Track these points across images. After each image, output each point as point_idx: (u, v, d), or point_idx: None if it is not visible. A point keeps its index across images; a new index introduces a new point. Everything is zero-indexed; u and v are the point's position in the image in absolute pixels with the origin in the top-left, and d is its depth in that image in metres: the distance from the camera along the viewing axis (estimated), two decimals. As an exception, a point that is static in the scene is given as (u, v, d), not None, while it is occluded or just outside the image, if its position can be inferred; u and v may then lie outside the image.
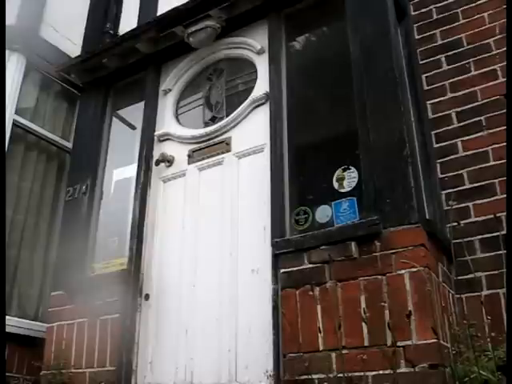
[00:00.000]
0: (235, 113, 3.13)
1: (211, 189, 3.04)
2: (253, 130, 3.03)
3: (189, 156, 3.23)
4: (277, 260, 2.52)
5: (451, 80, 3.02)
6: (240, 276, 2.72)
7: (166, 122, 3.45)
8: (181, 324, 2.82)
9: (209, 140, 3.19)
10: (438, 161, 2.90)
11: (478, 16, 3.08)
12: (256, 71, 3.19)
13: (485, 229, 2.60)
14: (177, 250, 3.02)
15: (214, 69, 3.48)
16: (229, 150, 3.08)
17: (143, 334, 2.93)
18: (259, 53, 3.20)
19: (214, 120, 3.29)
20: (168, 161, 3.29)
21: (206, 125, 3.30)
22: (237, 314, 2.65)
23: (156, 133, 3.43)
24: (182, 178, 3.22)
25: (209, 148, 3.17)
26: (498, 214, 2.50)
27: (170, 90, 3.54)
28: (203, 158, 3.17)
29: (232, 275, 2.74)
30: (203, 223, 2.99)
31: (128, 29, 3.84)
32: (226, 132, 3.14)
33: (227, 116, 3.19)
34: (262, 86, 3.08)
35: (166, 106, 3.51)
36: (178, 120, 3.47)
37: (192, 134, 3.28)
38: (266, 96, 3.03)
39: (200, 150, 3.21)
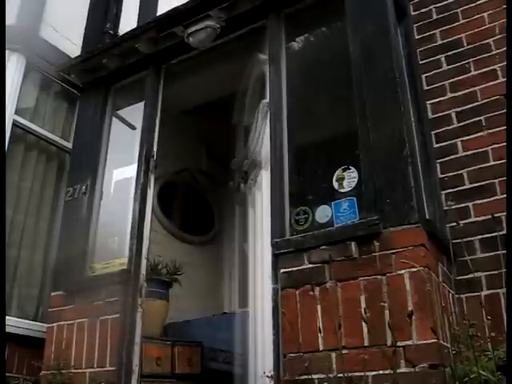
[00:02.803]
0: (235, 113, 3.14)
1: (211, 189, 3.04)
2: (253, 130, 3.03)
3: (189, 156, 3.24)
4: (277, 260, 2.52)
5: (451, 80, 3.02)
6: (240, 276, 2.72)
7: (167, 123, 3.45)
8: (181, 324, 2.82)
9: (209, 140, 3.20)
10: (438, 161, 2.89)
11: (478, 16, 3.07)
12: (256, 71, 3.20)
13: (484, 229, 2.60)
14: (177, 250, 3.02)
15: (215, 69, 3.48)
16: (229, 150, 3.08)
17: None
18: (259, 53, 3.20)
19: (214, 120, 3.29)
20: (168, 161, 3.29)
21: (206, 125, 3.31)
22: (237, 314, 2.65)
23: (156, 133, 3.42)
24: (182, 178, 3.22)
25: (209, 148, 3.18)
26: (497, 214, 2.49)
27: (170, 91, 3.55)
28: (203, 158, 3.17)
29: (232, 275, 2.75)
30: (203, 223, 2.99)
31: (128, 29, 3.84)
32: (226, 132, 3.15)
33: (227, 116, 3.20)
34: (261, 86, 3.09)
35: (167, 106, 3.51)
36: (178, 120, 3.48)
37: (192, 134, 3.29)
38: (265, 96, 3.03)
39: (200, 150, 3.21)
